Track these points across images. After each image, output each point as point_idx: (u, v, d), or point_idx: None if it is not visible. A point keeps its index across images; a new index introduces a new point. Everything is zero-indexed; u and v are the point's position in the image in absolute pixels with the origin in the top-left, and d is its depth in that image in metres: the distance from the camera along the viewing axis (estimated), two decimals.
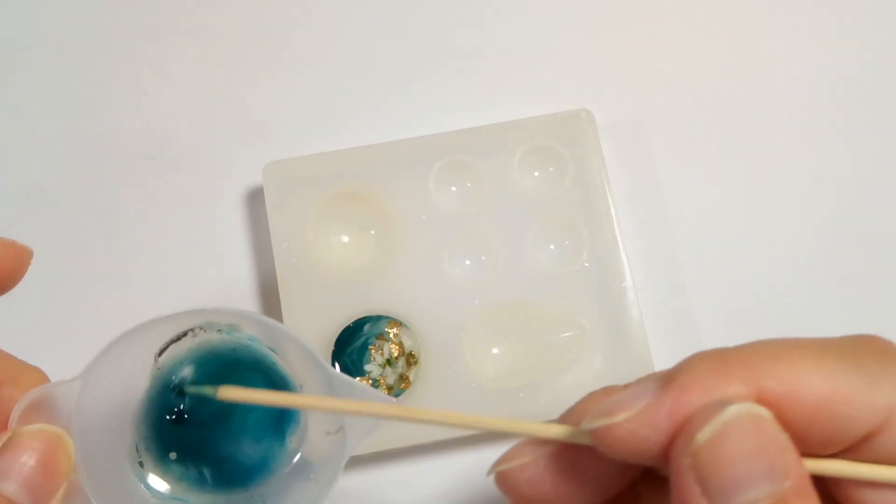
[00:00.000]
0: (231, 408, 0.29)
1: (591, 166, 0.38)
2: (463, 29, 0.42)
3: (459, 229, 0.38)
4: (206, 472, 0.29)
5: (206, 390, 0.26)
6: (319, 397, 0.27)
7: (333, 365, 0.36)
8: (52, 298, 0.39)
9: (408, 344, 0.37)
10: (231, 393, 0.26)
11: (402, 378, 0.36)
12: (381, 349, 0.36)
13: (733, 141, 0.41)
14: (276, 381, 0.30)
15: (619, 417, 0.20)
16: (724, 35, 0.42)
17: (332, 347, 0.36)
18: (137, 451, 0.29)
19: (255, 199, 0.40)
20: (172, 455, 0.29)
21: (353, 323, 0.37)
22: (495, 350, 0.37)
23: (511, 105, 0.41)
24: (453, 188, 0.39)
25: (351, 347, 0.36)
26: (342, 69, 0.42)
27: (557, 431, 0.22)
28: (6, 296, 0.39)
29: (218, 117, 0.41)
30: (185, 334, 0.29)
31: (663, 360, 0.38)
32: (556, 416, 0.36)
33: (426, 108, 0.41)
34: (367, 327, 0.37)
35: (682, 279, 0.39)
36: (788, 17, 0.43)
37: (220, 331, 0.29)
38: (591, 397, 0.23)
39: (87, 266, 0.39)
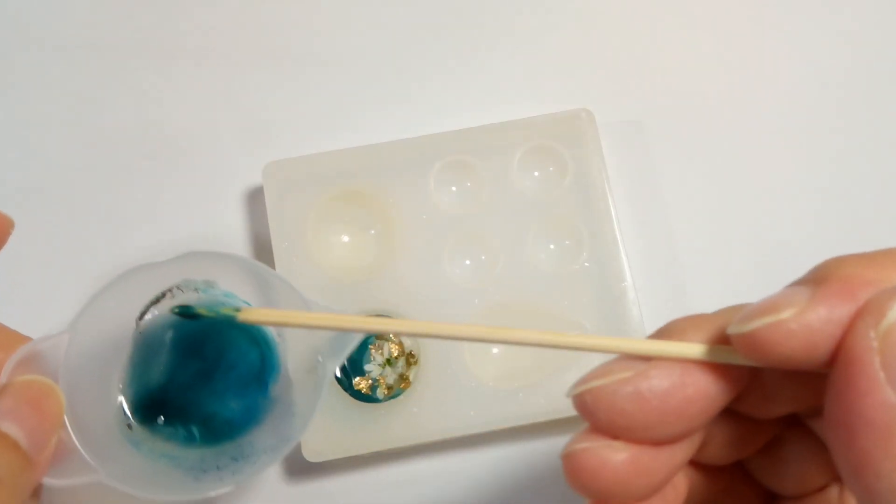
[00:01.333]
0: (213, 367, 0.30)
1: (591, 166, 0.38)
2: (463, 29, 0.42)
3: (459, 229, 0.38)
4: (195, 430, 0.29)
5: (226, 311, 0.26)
6: (340, 316, 0.26)
7: None
8: (52, 298, 0.39)
9: (408, 343, 0.37)
10: (252, 315, 0.25)
11: (402, 378, 0.36)
12: (381, 349, 0.36)
13: (733, 141, 0.41)
14: (255, 335, 0.30)
15: (787, 313, 0.18)
16: (725, 35, 0.42)
17: None
18: (125, 413, 0.29)
19: (255, 199, 0.40)
20: (160, 418, 0.29)
21: None
22: (495, 350, 0.37)
23: (511, 105, 0.41)
24: (453, 188, 0.39)
25: None
26: (342, 69, 0.42)
27: (698, 349, 0.20)
28: (6, 298, 0.39)
29: (218, 117, 0.41)
30: (163, 296, 0.29)
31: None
32: (557, 416, 0.36)
33: (426, 108, 0.41)
34: None
35: (682, 279, 0.39)
36: (789, 17, 0.43)
37: (196, 290, 0.29)
38: (682, 320, 0.22)
39: (87, 266, 0.39)
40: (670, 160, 0.41)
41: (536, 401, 0.36)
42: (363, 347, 0.36)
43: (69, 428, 0.26)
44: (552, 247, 0.38)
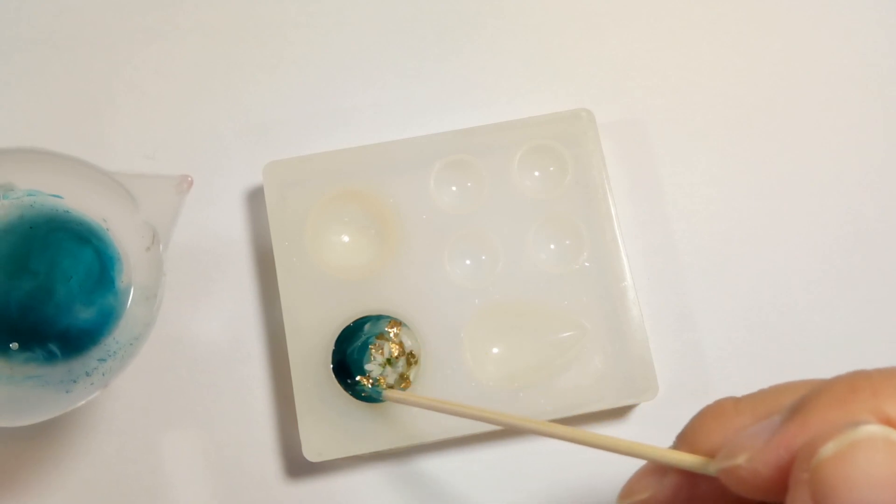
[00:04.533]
0: (50, 281, 0.28)
1: (591, 166, 0.38)
2: (463, 28, 0.42)
3: (459, 229, 0.38)
4: (53, 347, 0.28)
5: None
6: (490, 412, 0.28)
7: (335, 364, 0.36)
8: None
9: (408, 343, 0.37)
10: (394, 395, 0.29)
11: (403, 378, 0.36)
12: (382, 349, 0.36)
13: (734, 140, 0.41)
14: (81, 231, 0.28)
15: (740, 459, 0.20)
16: (725, 34, 0.42)
17: (332, 347, 0.36)
18: None
19: (255, 199, 0.40)
20: (13, 345, 0.28)
21: (353, 322, 0.37)
22: (495, 350, 0.37)
23: (511, 105, 0.41)
24: (454, 188, 0.39)
25: (351, 347, 0.36)
26: (342, 69, 0.42)
27: (687, 461, 0.22)
28: None
29: (218, 117, 0.41)
30: None
31: (663, 360, 0.38)
32: (557, 416, 0.36)
33: (426, 107, 0.41)
34: (367, 327, 0.37)
35: (682, 279, 0.39)
36: (790, 16, 0.43)
37: None
38: (703, 419, 0.23)
39: None
40: (671, 160, 0.41)
41: (536, 401, 0.36)
42: (364, 347, 0.36)
43: None
44: (552, 247, 0.38)
